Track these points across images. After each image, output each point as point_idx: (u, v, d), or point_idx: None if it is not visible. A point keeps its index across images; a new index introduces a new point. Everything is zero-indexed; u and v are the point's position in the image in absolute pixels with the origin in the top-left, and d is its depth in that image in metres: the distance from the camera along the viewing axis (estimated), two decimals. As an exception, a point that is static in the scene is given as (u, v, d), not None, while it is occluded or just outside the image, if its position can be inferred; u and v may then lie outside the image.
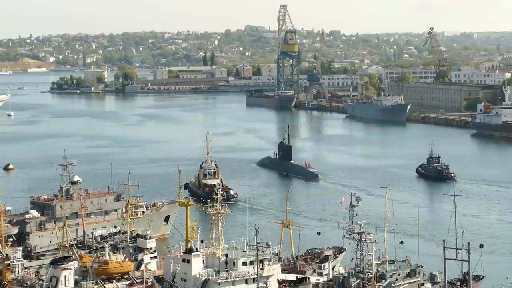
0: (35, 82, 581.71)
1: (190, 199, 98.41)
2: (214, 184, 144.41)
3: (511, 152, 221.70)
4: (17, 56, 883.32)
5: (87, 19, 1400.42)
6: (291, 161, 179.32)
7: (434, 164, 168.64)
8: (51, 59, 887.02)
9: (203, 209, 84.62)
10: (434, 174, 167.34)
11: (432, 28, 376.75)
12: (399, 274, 75.65)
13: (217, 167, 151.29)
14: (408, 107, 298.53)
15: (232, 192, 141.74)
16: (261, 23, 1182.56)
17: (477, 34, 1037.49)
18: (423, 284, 77.23)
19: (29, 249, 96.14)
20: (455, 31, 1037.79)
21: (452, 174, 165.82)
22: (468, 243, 75.90)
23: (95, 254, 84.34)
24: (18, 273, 78.41)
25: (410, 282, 75.45)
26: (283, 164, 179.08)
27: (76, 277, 76.34)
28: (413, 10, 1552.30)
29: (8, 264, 78.56)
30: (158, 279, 78.54)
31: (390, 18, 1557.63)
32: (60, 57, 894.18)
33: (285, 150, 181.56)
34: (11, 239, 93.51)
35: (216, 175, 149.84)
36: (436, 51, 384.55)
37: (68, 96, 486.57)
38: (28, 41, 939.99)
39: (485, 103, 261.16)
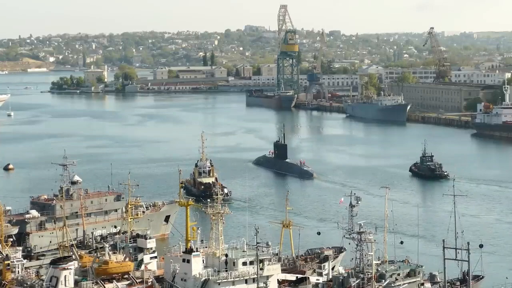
0: (35, 82, 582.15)
1: (190, 199, 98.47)
2: (209, 182, 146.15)
3: (511, 152, 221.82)
4: (17, 56, 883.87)
5: (87, 19, 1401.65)
6: (286, 160, 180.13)
7: (428, 163, 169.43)
8: (51, 59, 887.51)
9: (203, 209, 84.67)
10: (427, 173, 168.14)
11: (432, 28, 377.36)
12: (398, 274, 75.75)
13: (212, 165, 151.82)
14: (408, 107, 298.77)
15: (226, 191, 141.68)
16: (261, 23, 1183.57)
17: (477, 34, 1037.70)
18: (422, 284, 77.32)
19: (29, 249, 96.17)
20: (455, 31, 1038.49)
21: (445, 173, 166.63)
22: (468, 243, 75.95)
23: (95, 254, 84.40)
24: (18, 273, 78.48)
25: (409, 282, 75.54)
26: (278, 163, 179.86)
27: (76, 277, 76.40)
28: (413, 10, 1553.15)
29: (8, 264, 78.64)
30: (158, 279, 78.60)
31: (390, 18, 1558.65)
32: (60, 57, 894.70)
33: (280, 149, 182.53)
34: (11, 239, 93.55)
35: (211, 174, 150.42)
36: (436, 51, 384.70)
37: (68, 96, 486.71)
38: (28, 41, 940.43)
39: (485, 103, 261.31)
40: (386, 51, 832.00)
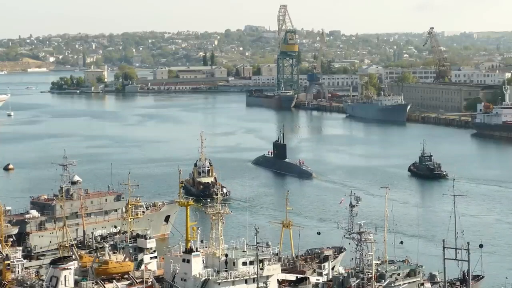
0: (35, 82, 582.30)
1: (190, 199, 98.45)
2: (208, 182, 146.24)
3: (511, 152, 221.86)
4: (17, 56, 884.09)
5: (87, 19, 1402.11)
6: (286, 160, 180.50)
7: (426, 163, 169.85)
8: (51, 59, 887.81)
9: (202, 209, 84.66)
10: (426, 172, 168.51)
11: (432, 28, 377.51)
12: (398, 274, 75.75)
13: (211, 165, 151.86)
14: (408, 107, 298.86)
15: (225, 190, 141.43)
16: (261, 23, 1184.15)
17: (477, 34, 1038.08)
18: (422, 284, 77.32)
19: (29, 249, 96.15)
20: (455, 31, 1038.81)
21: (444, 173, 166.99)
22: (468, 243, 75.90)
23: (95, 254, 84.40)
24: (18, 273, 78.47)
25: (409, 282, 75.54)
26: (277, 163, 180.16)
27: (76, 277, 76.41)
28: (413, 10, 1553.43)
29: (8, 264, 78.63)
30: (158, 279, 78.60)
31: (390, 18, 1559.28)
32: (60, 57, 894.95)
33: (279, 148, 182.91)
34: (11, 239, 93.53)
35: (210, 173, 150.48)
36: (436, 51, 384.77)
37: (68, 96, 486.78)
38: (28, 41, 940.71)
39: (485, 103, 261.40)
40: (386, 51, 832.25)
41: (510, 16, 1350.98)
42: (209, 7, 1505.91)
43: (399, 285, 74.41)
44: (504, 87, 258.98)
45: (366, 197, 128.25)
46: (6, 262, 79.02)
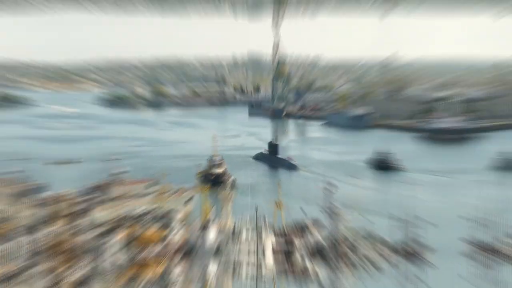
0: (89, 98, 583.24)
1: (206, 185, 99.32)
2: (219, 172, 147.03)
3: (447, 150, 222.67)
4: (69, 76, 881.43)
5: (124, 47, 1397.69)
6: (278, 156, 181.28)
7: (382, 158, 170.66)
8: (100, 78, 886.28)
9: (216, 193, 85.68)
10: (383, 165, 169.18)
11: (393, 52, 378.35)
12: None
13: (222, 159, 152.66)
14: (371, 116, 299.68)
15: (232, 179, 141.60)
16: (260, 50, 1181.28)
17: (428, 58, 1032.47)
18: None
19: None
20: (411, 55, 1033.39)
21: (398, 166, 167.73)
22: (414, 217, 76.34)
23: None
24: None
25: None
26: (272, 158, 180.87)
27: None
28: (374, 40, 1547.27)
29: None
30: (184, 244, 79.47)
31: (358, 47, 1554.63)
32: (109, 77, 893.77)
33: (273, 147, 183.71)
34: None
35: (221, 166, 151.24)
36: (393, 73, 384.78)
37: (116, 108, 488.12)
38: (80, 66, 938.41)
39: (432, 112, 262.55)
40: (356, 73, 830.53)
41: (451, 44, 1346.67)
42: (218, 34, 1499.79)
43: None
44: (446, 101, 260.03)
45: (339, 184, 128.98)
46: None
